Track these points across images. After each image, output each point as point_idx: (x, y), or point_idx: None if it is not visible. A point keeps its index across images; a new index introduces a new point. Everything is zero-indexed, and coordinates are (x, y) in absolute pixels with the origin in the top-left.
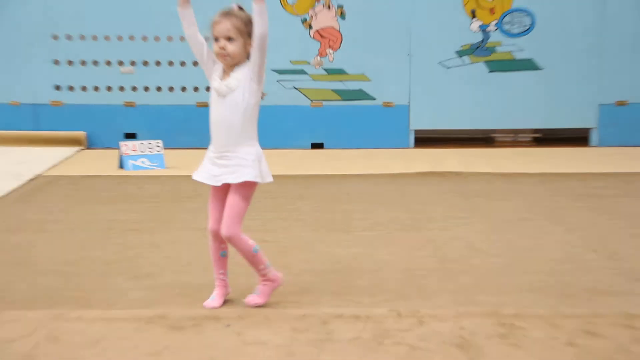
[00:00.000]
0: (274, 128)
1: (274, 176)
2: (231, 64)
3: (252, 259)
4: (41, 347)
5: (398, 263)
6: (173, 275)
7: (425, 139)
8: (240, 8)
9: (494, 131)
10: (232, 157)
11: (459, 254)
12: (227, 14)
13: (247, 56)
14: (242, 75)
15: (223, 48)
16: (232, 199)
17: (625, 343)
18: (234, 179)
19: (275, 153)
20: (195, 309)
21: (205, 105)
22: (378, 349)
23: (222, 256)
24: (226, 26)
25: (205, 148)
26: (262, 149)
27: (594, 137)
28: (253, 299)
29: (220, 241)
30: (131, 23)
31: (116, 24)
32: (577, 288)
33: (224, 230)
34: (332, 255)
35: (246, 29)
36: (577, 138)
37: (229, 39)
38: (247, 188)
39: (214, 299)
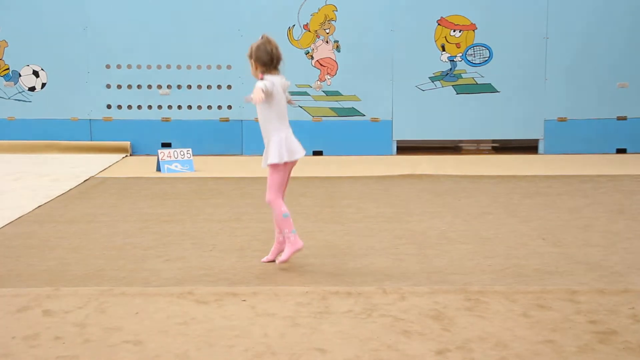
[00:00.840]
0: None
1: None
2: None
3: (281, 222)
4: (92, 317)
5: (384, 249)
6: (199, 259)
7: (406, 148)
8: (261, 38)
9: (461, 141)
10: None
11: (433, 242)
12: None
13: (259, 71)
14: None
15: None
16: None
17: (570, 314)
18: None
19: None
20: (218, 287)
21: (226, 120)
22: (367, 319)
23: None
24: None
25: (227, 154)
26: None
27: (541, 146)
28: (280, 258)
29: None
30: (168, 54)
31: (156, 54)
32: (529, 269)
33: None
34: (330, 243)
35: (249, 52)
36: (527, 147)
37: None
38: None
39: (269, 255)
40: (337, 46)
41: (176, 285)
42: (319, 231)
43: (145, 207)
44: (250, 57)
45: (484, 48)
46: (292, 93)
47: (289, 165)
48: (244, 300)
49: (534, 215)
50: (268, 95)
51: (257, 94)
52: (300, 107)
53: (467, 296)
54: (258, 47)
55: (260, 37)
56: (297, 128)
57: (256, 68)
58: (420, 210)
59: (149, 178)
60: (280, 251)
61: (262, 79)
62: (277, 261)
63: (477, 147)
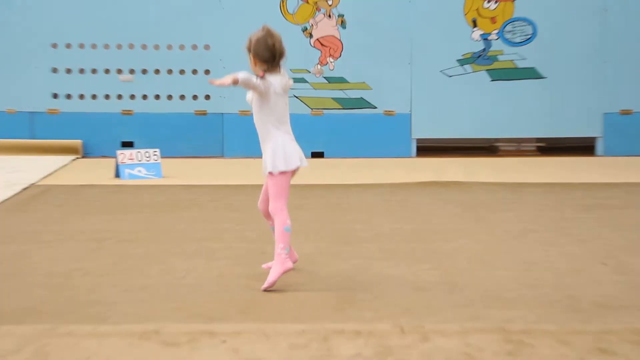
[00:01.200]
0: None
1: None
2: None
3: (280, 235)
4: None
5: (401, 276)
6: (168, 289)
7: (427, 148)
8: (260, 29)
9: (497, 140)
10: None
11: (463, 267)
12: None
13: (258, 66)
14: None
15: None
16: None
17: None
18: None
19: None
20: (191, 324)
21: (203, 114)
22: None
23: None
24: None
25: (204, 156)
26: (259, 157)
27: (599, 146)
28: (268, 265)
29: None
30: (131, 31)
31: (115, 32)
32: (587, 302)
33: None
34: (333, 268)
35: (248, 44)
36: (582, 147)
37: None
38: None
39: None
40: (342, 21)
41: (138, 322)
42: (319, 253)
43: (100, 222)
44: (249, 50)
45: (525, 23)
46: None
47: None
48: (224, 342)
49: (592, 234)
50: (262, 95)
51: (225, 79)
52: (297, 97)
53: (507, 337)
54: (258, 41)
55: (260, 29)
56: (292, 123)
57: (255, 64)
58: (446, 226)
59: (105, 186)
60: (294, 261)
61: (262, 77)
62: (262, 287)
63: (517, 148)
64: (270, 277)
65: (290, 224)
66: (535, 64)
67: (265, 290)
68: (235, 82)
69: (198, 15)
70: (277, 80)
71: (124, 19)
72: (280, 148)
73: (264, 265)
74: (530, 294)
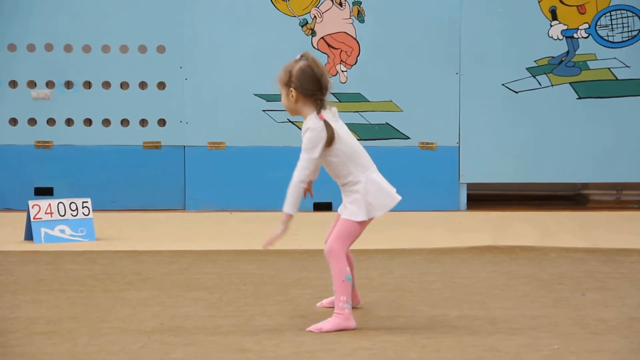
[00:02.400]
0: (259, 180)
1: (255, 251)
2: (291, 114)
3: (340, 285)
4: None
5: None
6: None
7: (483, 197)
8: (301, 57)
9: (587, 186)
10: None
11: None
12: (282, 69)
13: (301, 104)
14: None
15: (282, 102)
16: None
17: None
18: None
19: (262, 216)
20: None
21: (156, 147)
22: None
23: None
24: (277, 81)
25: (157, 209)
26: (244, 210)
27: None
28: (323, 303)
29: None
30: (47, 27)
31: (25, 28)
32: None
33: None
34: None
35: (286, 77)
36: None
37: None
38: None
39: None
40: (358, 12)
41: None
42: (325, 350)
43: (4, 307)
44: (288, 84)
45: (629, 13)
46: (276, 98)
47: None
48: None
49: None
50: (330, 144)
51: (276, 231)
52: (293, 123)
53: None
54: (302, 72)
55: (299, 58)
56: (286, 161)
57: (296, 101)
58: (511, 312)
59: (12, 253)
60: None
61: (320, 117)
62: (308, 328)
63: (617, 198)
64: (326, 326)
65: (349, 271)
66: None
67: (311, 330)
68: (289, 219)
69: (147, 4)
70: (329, 116)
71: (38, 9)
72: (362, 194)
73: (319, 304)
74: None
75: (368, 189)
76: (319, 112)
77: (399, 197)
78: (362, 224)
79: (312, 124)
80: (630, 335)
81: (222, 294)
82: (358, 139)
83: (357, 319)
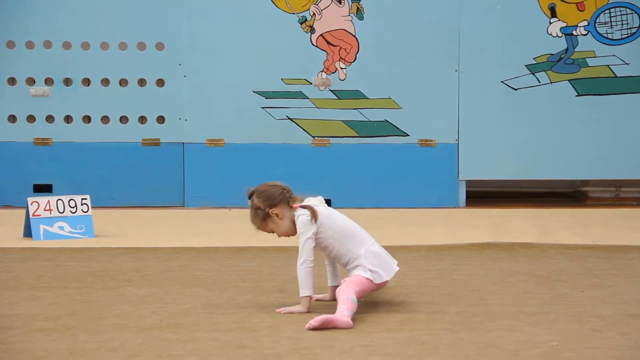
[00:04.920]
0: (257, 177)
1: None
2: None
3: (346, 300)
4: None
5: None
6: None
7: (482, 194)
8: (250, 202)
9: (586, 183)
10: None
11: None
12: (251, 222)
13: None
14: None
15: (279, 236)
16: None
17: None
18: None
19: None
20: None
21: (155, 144)
22: None
23: None
24: (259, 229)
25: (156, 206)
26: (242, 207)
27: None
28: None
29: None
30: (48, 24)
31: (23, 23)
32: None
33: None
34: None
35: (261, 213)
36: None
37: (271, 231)
38: None
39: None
40: (357, 9)
41: None
42: (324, 347)
43: (3, 304)
44: (267, 214)
45: (628, 10)
46: (276, 95)
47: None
48: None
49: None
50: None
51: (297, 307)
52: (292, 120)
53: None
54: (261, 193)
55: (249, 199)
56: (285, 158)
57: (283, 216)
58: (510, 309)
59: (11, 250)
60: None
61: (294, 207)
62: (308, 324)
63: (616, 195)
64: (323, 317)
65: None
66: None
67: (310, 327)
68: (308, 301)
69: (146, 2)
70: (313, 201)
71: (37, 6)
72: (364, 262)
73: (315, 297)
74: None
75: (369, 259)
76: (292, 205)
77: (397, 269)
78: (369, 282)
79: (299, 213)
80: (628, 332)
81: (221, 291)
82: (357, 137)
83: (356, 316)
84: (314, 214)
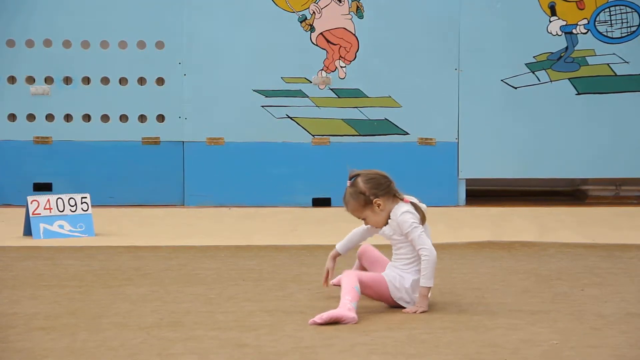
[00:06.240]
0: (258, 175)
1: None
2: (381, 226)
3: (350, 290)
4: None
5: None
6: None
7: (482, 193)
8: (351, 183)
9: (586, 182)
10: None
11: None
12: (345, 202)
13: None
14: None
15: (368, 224)
16: None
17: None
18: None
19: (261, 212)
20: None
21: (155, 142)
22: None
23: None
24: (351, 211)
25: (156, 205)
26: (242, 206)
27: None
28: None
29: None
30: (46, 22)
31: (24, 21)
32: None
33: None
34: None
35: (362, 199)
36: None
37: (363, 218)
38: None
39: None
40: (357, 7)
41: None
42: (323, 345)
43: (3, 303)
44: (369, 202)
45: (628, 9)
46: (276, 94)
47: None
48: None
49: None
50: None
51: (421, 303)
52: (291, 118)
53: None
54: (371, 179)
55: (349, 182)
56: (285, 157)
57: (384, 208)
58: (510, 307)
59: (11, 249)
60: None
61: (406, 201)
62: (312, 319)
63: (616, 193)
64: (328, 313)
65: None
66: None
67: (314, 324)
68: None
69: (146, 0)
70: (414, 200)
71: (37, 5)
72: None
73: (333, 281)
74: None
75: (414, 286)
76: (402, 199)
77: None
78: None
79: (405, 208)
80: (629, 331)
81: (221, 290)
82: (357, 135)
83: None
84: (422, 217)
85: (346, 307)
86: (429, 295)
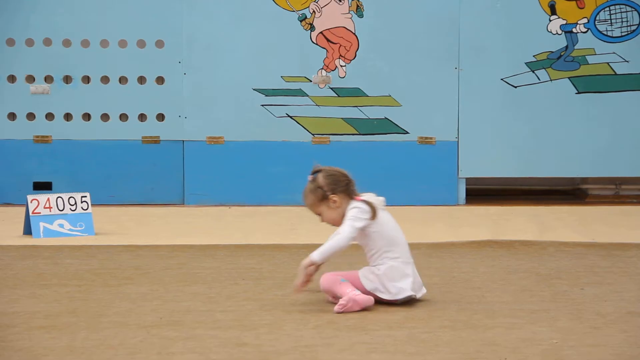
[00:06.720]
0: (258, 174)
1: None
2: (339, 224)
3: (339, 287)
4: None
5: None
6: None
7: (482, 192)
8: (312, 178)
9: (586, 181)
10: None
11: None
12: (303, 196)
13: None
14: None
15: (324, 221)
16: None
17: None
18: None
19: (260, 211)
20: None
21: (155, 142)
22: None
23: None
24: (309, 206)
25: (156, 204)
26: (242, 204)
27: None
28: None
29: None
30: (46, 21)
31: (23, 21)
32: None
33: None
34: None
35: (319, 193)
36: None
37: (319, 213)
38: None
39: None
40: (357, 7)
41: None
42: (324, 345)
43: (3, 302)
44: (325, 197)
45: (628, 8)
46: (275, 92)
47: None
48: None
49: None
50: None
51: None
52: (292, 117)
53: None
54: (330, 175)
55: (311, 176)
56: (285, 156)
57: (340, 205)
58: (509, 306)
59: (11, 248)
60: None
61: (357, 199)
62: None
63: (615, 192)
64: (352, 298)
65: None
66: None
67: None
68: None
69: None
70: (370, 197)
71: (37, 4)
72: (381, 275)
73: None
74: None
75: (388, 272)
76: (354, 197)
77: (412, 294)
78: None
79: (355, 204)
80: (628, 330)
81: (221, 289)
82: (357, 134)
83: (355, 314)
84: (373, 212)
85: (357, 295)
86: (311, 269)
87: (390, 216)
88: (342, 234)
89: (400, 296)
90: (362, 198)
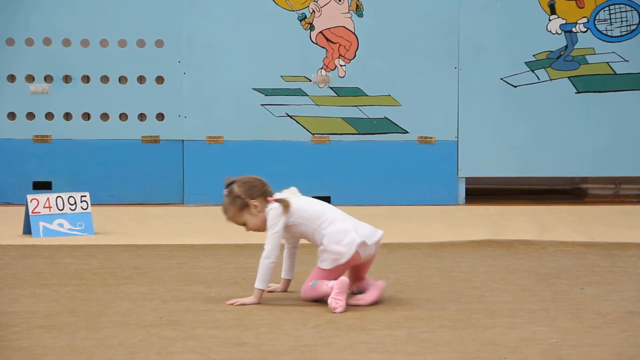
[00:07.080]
0: (258, 174)
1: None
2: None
3: (317, 292)
4: None
5: None
6: None
7: (482, 192)
8: (228, 191)
9: (586, 180)
10: None
11: None
12: (223, 211)
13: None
14: None
15: (249, 231)
16: None
17: None
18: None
19: None
20: None
21: (155, 141)
22: None
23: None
24: (231, 220)
25: (155, 203)
26: None
27: None
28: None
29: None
30: (45, 21)
31: (24, 20)
32: None
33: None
34: None
35: (240, 205)
36: None
37: (242, 223)
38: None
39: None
40: (357, 6)
41: None
42: (324, 344)
43: (4, 300)
44: (246, 205)
45: (628, 7)
46: (275, 92)
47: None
48: None
49: None
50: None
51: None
52: (291, 117)
53: None
54: (245, 183)
55: (226, 190)
56: (284, 156)
57: (261, 210)
58: (509, 306)
59: (10, 247)
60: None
61: (269, 200)
62: (364, 301)
63: (616, 192)
64: (369, 297)
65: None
66: None
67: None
68: (260, 294)
69: None
70: (286, 194)
71: (37, 3)
72: (325, 245)
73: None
74: None
75: (331, 240)
76: (267, 198)
77: (379, 234)
78: (330, 271)
79: (268, 207)
80: (628, 329)
81: (221, 288)
82: (356, 134)
83: (355, 314)
84: (285, 206)
85: (329, 286)
86: (274, 288)
87: (308, 198)
88: (267, 250)
89: (353, 248)
90: (273, 198)
